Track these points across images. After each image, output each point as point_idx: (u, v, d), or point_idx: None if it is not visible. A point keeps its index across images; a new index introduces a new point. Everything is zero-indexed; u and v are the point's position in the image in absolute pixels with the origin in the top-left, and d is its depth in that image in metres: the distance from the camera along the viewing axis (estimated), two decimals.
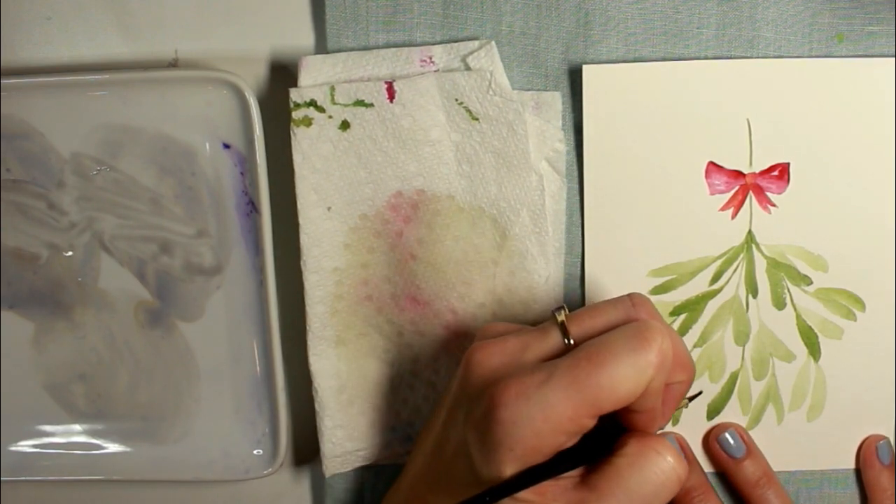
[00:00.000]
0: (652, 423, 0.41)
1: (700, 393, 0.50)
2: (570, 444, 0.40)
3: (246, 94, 0.49)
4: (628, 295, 0.42)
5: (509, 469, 0.39)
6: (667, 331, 0.40)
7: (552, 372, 0.39)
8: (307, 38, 0.51)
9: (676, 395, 0.43)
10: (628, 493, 0.40)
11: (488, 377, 0.41)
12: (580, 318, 0.42)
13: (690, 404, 0.50)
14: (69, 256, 0.53)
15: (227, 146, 0.51)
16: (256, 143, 0.50)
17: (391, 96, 0.48)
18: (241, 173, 0.52)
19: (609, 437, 0.42)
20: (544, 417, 0.38)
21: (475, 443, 0.40)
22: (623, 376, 0.38)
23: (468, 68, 0.48)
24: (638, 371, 0.38)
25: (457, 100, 0.48)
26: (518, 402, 0.39)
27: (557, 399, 0.38)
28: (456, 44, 0.49)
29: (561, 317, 0.42)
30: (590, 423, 0.39)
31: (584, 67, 0.48)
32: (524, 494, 0.40)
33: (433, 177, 0.49)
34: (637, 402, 0.39)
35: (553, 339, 0.41)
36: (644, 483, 0.40)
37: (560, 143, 0.49)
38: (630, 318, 0.41)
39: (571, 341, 0.41)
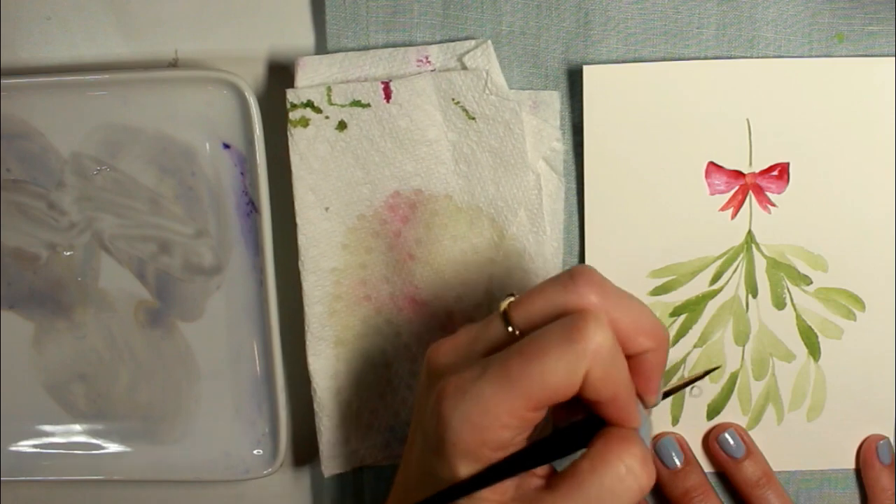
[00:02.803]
0: (624, 413, 0.39)
1: (715, 368, 0.49)
2: (519, 438, 0.39)
3: (246, 94, 0.49)
4: (568, 270, 0.40)
5: (463, 467, 0.38)
6: (603, 315, 0.38)
7: (487, 366, 0.38)
8: (307, 38, 0.51)
9: (651, 365, 0.40)
10: (586, 500, 0.38)
11: (440, 374, 0.41)
12: (522, 304, 0.40)
13: (692, 402, 0.50)
14: (69, 256, 0.53)
15: (227, 146, 0.51)
16: (256, 143, 0.50)
17: (388, 96, 0.48)
18: (241, 173, 0.52)
19: (583, 431, 0.40)
20: (480, 411, 0.38)
21: (428, 441, 0.40)
22: (552, 369, 0.37)
23: (464, 68, 0.48)
24: (568, 363, 0.37)
25: (453, 99, 0.48)
26: (456, 396, 0.38)
27: (492, 392, 0.38)
28: (452, 43, 0.49)
29: (504, 305, 0.40)
30: (533, 416, 0.38)
31: (584, 67, 0.48)
32: (485, 493, 0.39)
33: (431, 176, 0.49)
34: (591, 391, 0.38)
35: (498, 329, 0.40)
36: (602, 490, 0.38)
37: (558, 143, 0.49)
38: (567, 296, 0.39)
39: (516, 331, 0.40)
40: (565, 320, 0.38)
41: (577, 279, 0.39)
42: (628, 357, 0.39)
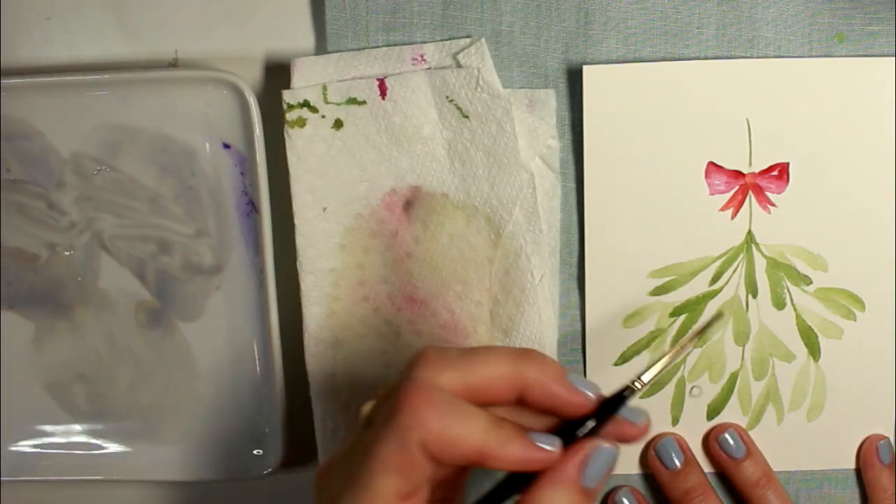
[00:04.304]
0: (513, 460, 0.37)
1: (719, 316, 0.47)
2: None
3: (246, 94, 0.49)
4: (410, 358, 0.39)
5: None
6: (424, 383, 0.36)
7: (347, 477, 0.37)
8: (307, 38, 0.51)
9: (543, 385, 0.38)
10: None
11: (322, 493, 0.39)
12: (377, 403, 0.40)
13: (692, 403, 0.50)
14: (69, 256, 0.53)
15: (227, 146, 0.52)
16: (256, 143, 0.50)
17: (383, 93, 0.48)
18: (241, 173, 0.52)
19: (518, 480, 0.38)
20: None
21: None
22: (386, 454, 0.36)
23: (459, 66, 0.48)
24: (397, 443, 0.36)
25: (447, 97, 0.48)
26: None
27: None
28: (447, 42, 0.49)
29: (366, 408, 0.40)
30: (417, 499, 0.37)
31: (584, 67, 0.48)
32: None
33: (427, 174, 0.49)
34: (446, 456, 0.36)
35: (360, 430, 0.40)
36: None
37: (553, 140, 0.49)
38: (403, 380, 0.38)
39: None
40: (387, 401, 0.37)
41: (413, 364, 0.38)
42: (526, 397, 0.38)
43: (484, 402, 0.38)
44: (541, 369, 0.38)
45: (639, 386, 0.39)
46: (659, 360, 0.41)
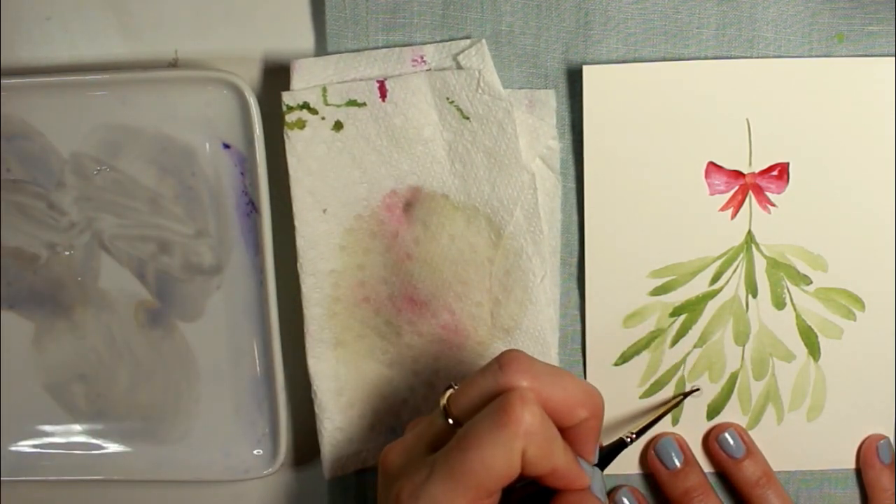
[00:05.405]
0: (568, 481, 0.40)
1: (696, 390, 0.50)
2: None
3: (246, 94, 0.49)
4: (496, 358, 0.41)
5: None
6: (529, 393, 0.39)
7: (433, 466, 0.39)
8: (307, 39, 0.51)
9: (587, 432, 0.41)
10: None
11: (393, 477, 0.41)
12: (457, 395, 0.41)
13: (692, 402, 0.50)
14: (69, 256, 0.53)
15: (227, 146, 0.52)
16: (256, 143, 0.50)
17: (383, 95, 0.48)
18: (241, 173, 0.52)
19: (538, 500, 0.41)
20: None
21: None
22: (491, 456, 0.38)
23: (459, 67, 0.48)
24: (504, 448, 0.38)
25: (448, 98, 0.48)
26: (410, 503, 0.39)
27: (442, 492, 0.38)
28: (447, 43, 0.49)
29: (444, 398, 0.41)
30: (487, 502, 0.39)
31: (584, 67, 0.48)
32: None
33: (427, 175, 0.49)
34: (530, 468, 0.38)
35: (440, 423, 0.41)
36: None
37: (554, 141, 0.49)
38: (499, 383, 0.40)
39: (451, 421, 0.41)
40: (493, 405, 0.39)
41: (506, 366, 0.40)
42: (566, 428, 0.41)
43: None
44: (591, 425, 0.42)
45: (628, 440, 0.47)
46: (650, 420, 0.48)
